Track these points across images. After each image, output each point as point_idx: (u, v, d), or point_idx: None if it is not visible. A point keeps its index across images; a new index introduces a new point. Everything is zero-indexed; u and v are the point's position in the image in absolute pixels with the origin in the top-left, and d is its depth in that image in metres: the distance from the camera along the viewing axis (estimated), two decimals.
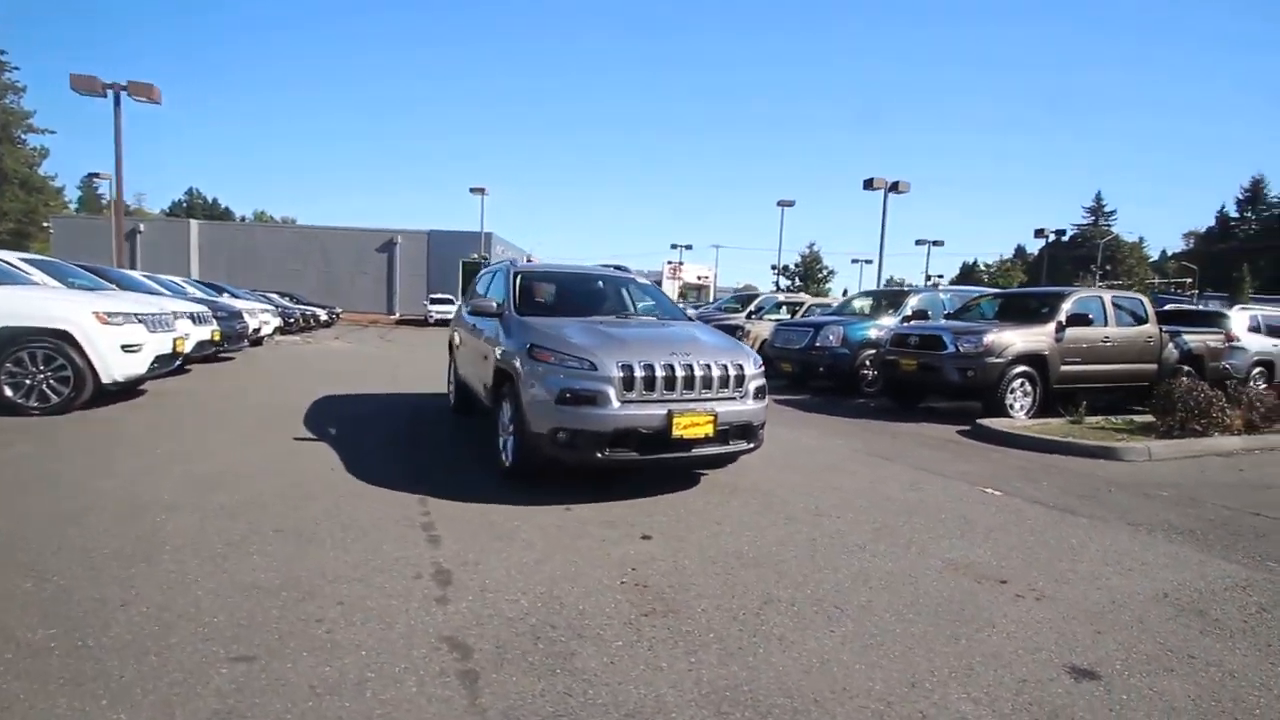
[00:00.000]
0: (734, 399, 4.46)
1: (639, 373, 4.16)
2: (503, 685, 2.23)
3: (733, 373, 4.45)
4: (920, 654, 2.55)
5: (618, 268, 6.91)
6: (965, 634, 2.72)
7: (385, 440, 6.05)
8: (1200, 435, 7.26)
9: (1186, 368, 9.44)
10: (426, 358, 15.76)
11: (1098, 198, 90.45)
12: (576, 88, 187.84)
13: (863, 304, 12.45)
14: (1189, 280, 48.40)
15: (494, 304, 5.42)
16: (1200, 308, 12.86)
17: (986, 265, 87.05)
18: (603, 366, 4.15)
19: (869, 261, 46.21)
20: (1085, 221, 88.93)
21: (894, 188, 24.45)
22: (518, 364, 4.50)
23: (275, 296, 23.91)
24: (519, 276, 5.77)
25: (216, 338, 10.30)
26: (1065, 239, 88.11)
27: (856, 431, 7.63)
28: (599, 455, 4.13)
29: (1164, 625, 2.88)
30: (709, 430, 4.28)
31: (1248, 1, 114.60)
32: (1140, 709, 2.25)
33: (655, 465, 4.46)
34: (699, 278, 62.35)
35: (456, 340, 7.05)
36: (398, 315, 37.22)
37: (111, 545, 3.30)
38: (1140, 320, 9.23)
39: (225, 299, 14.72)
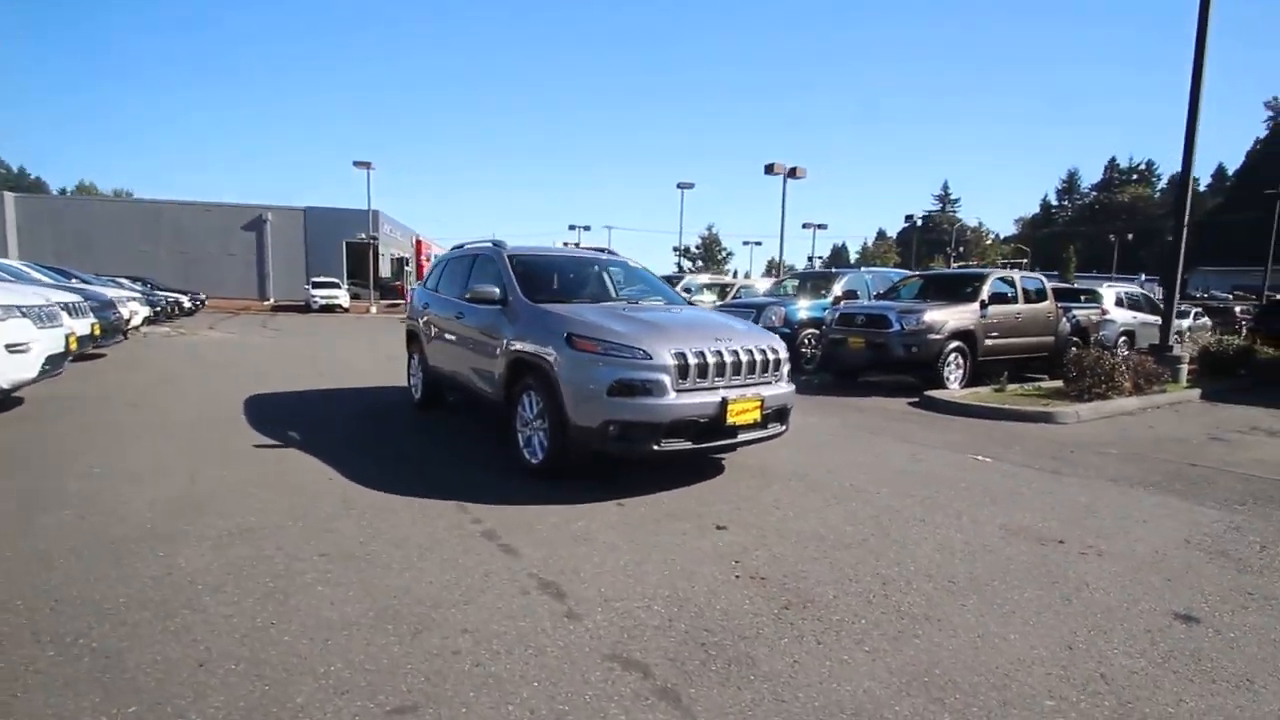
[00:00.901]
0: (771, 383, 4.47)
1: (693, 360, 4.05)
2: (710, 700, 2.09)
3: (770, 357, 4.46)
4: (1050, 618, 2.71)
5: (601, 250, 6.66)
6: (1071, 594, 2.93)
7: (364, 442, 5.46)
8: (1103, 398, 8.31)
9: (1076, 339, 10.78)
10: (345, 347, 14.43)
11: (945, 186, 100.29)
12: (469, 67, 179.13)
13: (793, 285, 12.99)
14: (1024, 261, 55.09)
15: (494, 291, 5.03)
16: (1076, 285, 14.69)
17: (866, 246, 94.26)
18: (657, 355, 3.99)
19: (759, 243, 48.24)
20: (935, 208, 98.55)
21: (792, 173, 25.60)
22: (552, 355, 4.22)
23: (126, 281, 20.78)
24: (514, 260, 5.40)
25: (97, 331, 8.77)
26: (920, 223, 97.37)
27: (822, 408, 7.96)
28: (654, 447, 3.98)
29: (1209, 569, 3.27)
30: (756, 415, 4.27)
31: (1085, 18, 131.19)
32: (1252, 643, 2.54)
33: (703, 454, 4.39)
34: None
35: (428, 330, 6.49)
36: (273, 301, 33.74)
37: (124, 592, 2.72)
38: (1042, 297, 10.37)
39: (77, 285, 12.52)
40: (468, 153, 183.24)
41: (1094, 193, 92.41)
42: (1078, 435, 6.58)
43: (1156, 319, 13.20)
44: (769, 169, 25.15)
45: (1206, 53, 9.49)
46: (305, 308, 29.55)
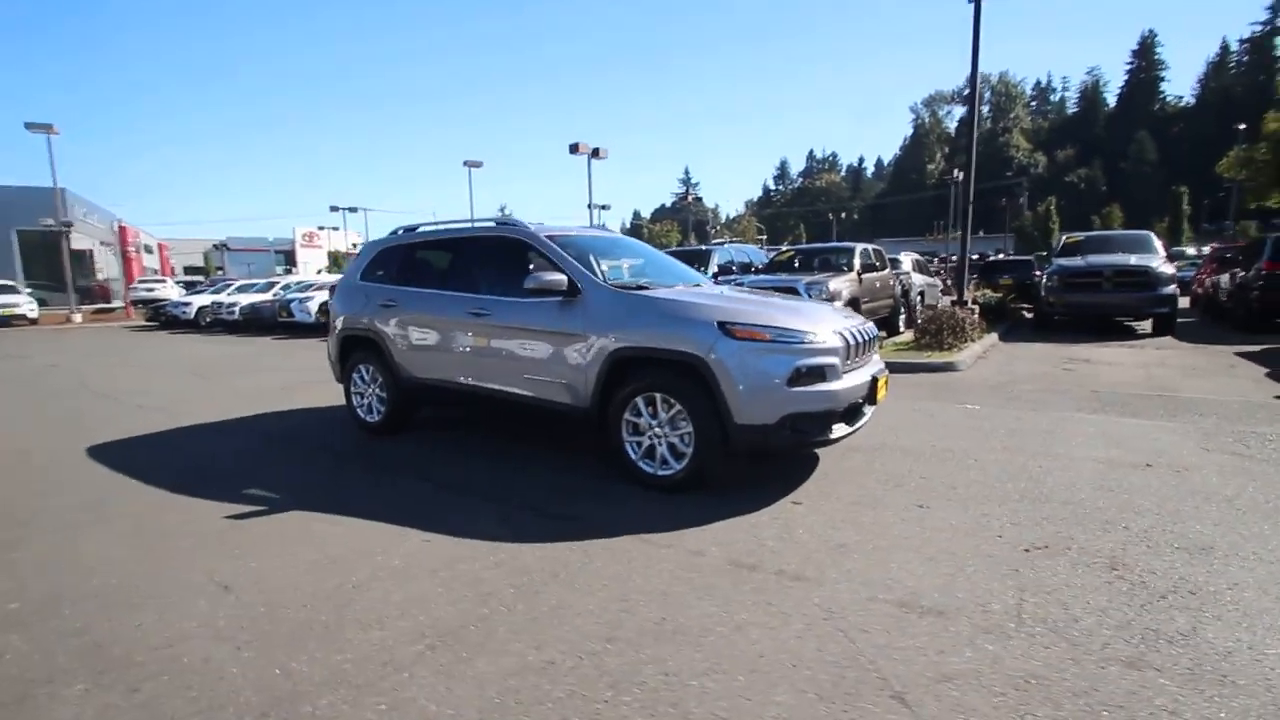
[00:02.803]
0: (877, 357, 4.49)
1: (851, 340, 3.87)
2: (1247, 673, 2.06)
3: (876, 333, 4.46)
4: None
5: (600, 227, 5.95)
6: (1241, 507, 3.48)
7: (374, 486, 4.20)
8: (958, 348, 10.04)
9: (904, 300, 12.77)
10: (108, 370, 10.59)
11: (686, 171, 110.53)
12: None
13: None
14: (764, 237, 63.51)
15: (562, 280, 4.18)
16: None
17: (625, 226, 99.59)
18: (826, 337, 3.72)
19: (541, 224, 47.76)
20: (680, 191, 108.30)
21: (595, 153, 25.77)
22: (704, 348, 3.65)
23: None
24: (558, 242, 4.56)
25: None
26: (670, 205, 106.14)
27: None
28: (829, 436, 3.73)
29: (1254, 467, 4.12)
30: (884, 391, 4.26)
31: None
32: None
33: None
34: (353, 245, 55.71)
35: (401, 335, 5.14)
36: None
37: None
38: (885, 265, 12.06)
39: None
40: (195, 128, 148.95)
41: (800, 179, 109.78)
42: (984, 378, 7.83)
43: (934, 280, 16.34)
44: (574, 149, 24.95)
45: (978, 78, 11.80)
46: None
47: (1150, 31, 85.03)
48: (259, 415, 6.65)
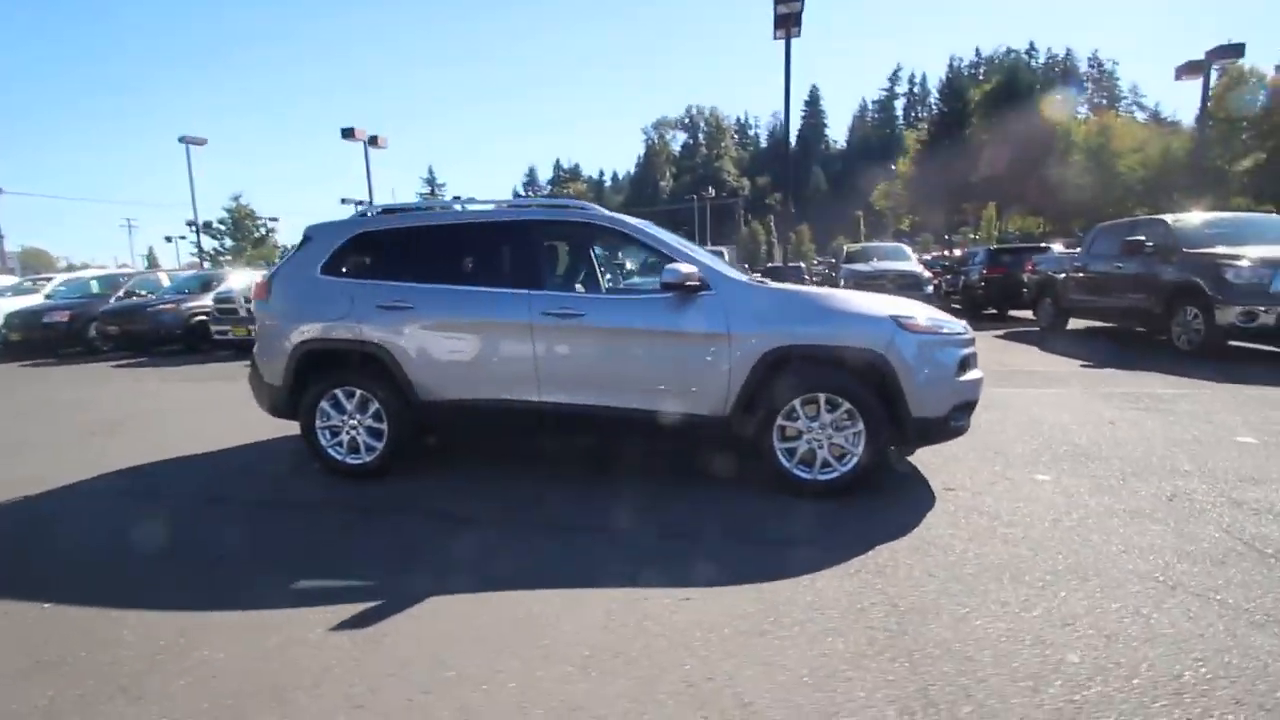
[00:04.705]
0: None
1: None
2: None
3: None
4: None
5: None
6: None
7: (505, 542, 3.19)
8: None
9: None
10: None
11: (430, 170, 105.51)
12: None
13: None
14: None
15: (695, 273, 3.65)
16: None
17: None
18: (967, 326, 3.88)
19: (275, 219, 40.81)
20: (425, 191, 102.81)
21: (373, 141, 22.90)
22: (882, 344, 3.54)
23: None
24: (648, 232, 3.99)
25: None
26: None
27: None
28: (970, 423, 3.90)
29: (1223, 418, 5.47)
30: None
31: None
32: None
33: None
34: None
35: (428, 344, 3.91)
36: None
37: None
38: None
39: None
40: None
41: (549, 186, 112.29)
42: None
43: None
44: (347, 133, 21.79)
45: (790, 109, 13.50)
46: None
47: (815, 87, 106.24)
48: (124, 470, 4.54)
